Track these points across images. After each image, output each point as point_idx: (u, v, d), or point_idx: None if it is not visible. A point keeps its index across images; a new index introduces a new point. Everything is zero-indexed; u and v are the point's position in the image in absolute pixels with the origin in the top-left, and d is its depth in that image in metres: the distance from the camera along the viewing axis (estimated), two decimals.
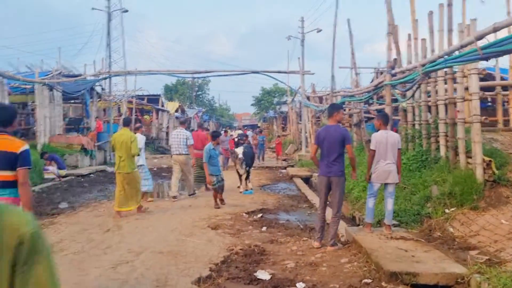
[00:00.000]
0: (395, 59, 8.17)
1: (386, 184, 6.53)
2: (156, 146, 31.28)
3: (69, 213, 9.29)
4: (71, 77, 21.12)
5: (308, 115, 22.01)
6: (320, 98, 21.01)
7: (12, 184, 3.84)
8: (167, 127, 35.90)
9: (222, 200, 9.77)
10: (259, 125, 59.02)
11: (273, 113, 44.89)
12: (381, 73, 17.63)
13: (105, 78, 22.46)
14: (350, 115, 13.11)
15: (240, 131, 32.84)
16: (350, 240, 6.50)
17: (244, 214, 9.15)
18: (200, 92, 69.45)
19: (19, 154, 3.80)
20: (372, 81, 19.61)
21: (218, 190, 9.69)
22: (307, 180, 15.24)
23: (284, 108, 40.56)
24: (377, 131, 6.66)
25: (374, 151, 6.50)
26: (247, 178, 11.97)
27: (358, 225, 8.54)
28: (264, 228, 7.76)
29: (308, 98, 21.65)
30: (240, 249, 6.26)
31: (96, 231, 7.47)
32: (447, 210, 7.00)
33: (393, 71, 7.97)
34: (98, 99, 24.45)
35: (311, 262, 5.65)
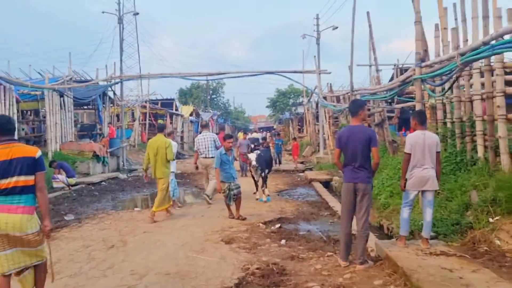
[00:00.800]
0: (425, 50, 7.34)
1: (423, 191, 5.71)
2: None
3: (74, 225, 8.69)
4: (82, 82, 20.69)
5: (325, 116, 21.19)
6: (337, 98, 20.16)
7: (29, 190, 3.91)
8: (182, 132, 35.43)
9: (240, 217, 8.87)
10: (274, 127, 58.21)
11: (289, 115, 44.08)
12: (405, 70, 16.71)
13: (116, 83, 21.97)
14: (370, 115, 12.25)
15: (256, 134, 32.08)
16: (382, 256, 5.70)
17: (260, 224, 8.42)
18: (214, 96, 69.03)
19: (37, 159, 3.96)
20: (391, 78, 18.72)
21: (233, 198, 8.92)
22: (327, 184, 14.45)
23: (300, 109, 39.78)
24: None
25: (410, 154, 5.69)
26: (263, 184, 11.20)
27: (387, 235, 7.74)
28: (283, 241, 7.00)
29: (325, 98, 20.84)
30: (257, 269, 5.53)
31: (99, 248, 6.81)
32: (491, 219, 6.14)
33: (424, 64, 7.14)
34: (111, 105, 24.04)
35: (339, 285, 4.88)
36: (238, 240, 7.15)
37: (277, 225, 8.29)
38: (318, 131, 27.50)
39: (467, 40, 7.83)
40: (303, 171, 18.78)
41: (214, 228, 8.00)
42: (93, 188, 14.50)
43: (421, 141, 5.66)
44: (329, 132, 21.55)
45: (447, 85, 7.17)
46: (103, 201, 11.99)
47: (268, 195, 11.28)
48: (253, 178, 11.35)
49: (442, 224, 6.42)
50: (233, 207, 8.98)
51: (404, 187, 5.82)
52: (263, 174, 11.08)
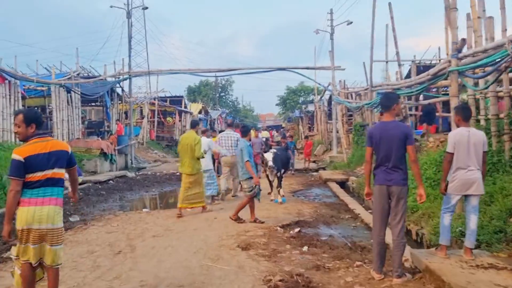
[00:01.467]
0: (463, 39, 6.69)
1: (467, 196, 5.09)
2: None
3: (79, 227, 8.17)
4: (90, 78, 20.24)
5: (339, 113, 20.54)
6: (350, 95, 19.44)
7: (60, 183, 4.05)
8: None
9: (256, 220, 8.24)
10: (283, 125, 57.38)
11: (299, 113, 43.35)
12: (422, 66, 16.00)
13: (125, 79, 21.50)
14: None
15: (265, 132, 31.45)
16: (420, 267, 5.08)
17: (278, 228, 7.83)
18: (223, 94, 68.49)
19: (70, 153, 4.15)
20: (407, 74, 17.97)
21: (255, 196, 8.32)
22: (342, 184, 13.83)
23: (311, 108, 39.06)
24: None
25: (452, 154, 5.07)
26: (279, 184, 10.58)
27: (416, 242, 7.13)
28: (305, 248, 6.41)
29: (338, 95, 20.14)
30: (280, 281, 4.94)
31: (105, 254, 6.27)
32: None
33: (461, 55, 6.49)
34: (119, 102, 23.59)
35: None
36: (256, 246, 6.57)
37: (296, 229, 7.69)
38: (331, 129, 26.90)
39: (505, 29, 7.18)
40: (316, 171, 18.19)
41: (229, 232, 7.42)
42: (100, 187, 14.00)
43: (465, 140, 5.04)
44: (342, 130, 20.90)
45: (490, 78, 6.52)
46: (110, 201, 11.49)
47: (283, 196, 10.68)
48: (268, 178, 10.75)
49: (483, 231, 5.78)
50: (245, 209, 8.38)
51: (445, 190, 5.20)
52: (278, 174, 10.49)
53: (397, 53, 11.89)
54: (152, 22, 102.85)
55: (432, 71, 7.70)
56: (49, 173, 3.89)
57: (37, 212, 3.81)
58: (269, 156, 10.42)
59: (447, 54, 7.81)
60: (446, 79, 7.27)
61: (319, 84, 19.94)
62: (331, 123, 27.94)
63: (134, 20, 22.37)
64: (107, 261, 5.90)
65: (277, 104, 50.70)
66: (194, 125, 9.77)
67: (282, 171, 10.71)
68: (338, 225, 8.33)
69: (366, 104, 11.70)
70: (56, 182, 3.97)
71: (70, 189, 4.51)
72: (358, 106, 12.84)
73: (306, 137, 17.80)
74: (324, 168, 18.63)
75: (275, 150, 10.94)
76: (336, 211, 9.47)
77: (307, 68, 20.24)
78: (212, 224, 8.23)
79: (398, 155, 4.91)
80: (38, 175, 3.84)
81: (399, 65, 11.96)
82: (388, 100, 5.17)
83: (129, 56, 20.73)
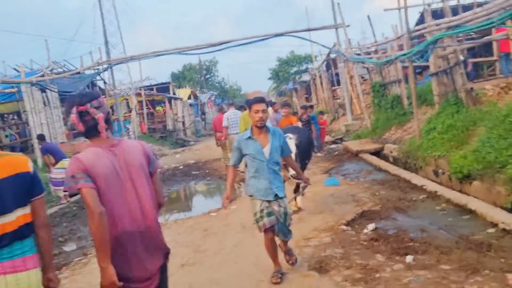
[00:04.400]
0: None
1: None
2: (174, 139, 28.04)
3: (78, 261, 6.11)
4: (66, 73, 17.85)
5: (347, 76, 18.42)
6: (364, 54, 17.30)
7: (30, 229, 2.36)
8: (183, 117, 32.66)
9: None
10: (273, 100, 55.00)
11: (292, 85, 41.04)
12: (434, 11, 13.83)
13: (105, 69, 19.12)
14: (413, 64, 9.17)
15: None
16: None
17: (343, 226, 5.85)
18: (209, 76, 65.79)
19: (33, 175, 2.41)
20: (416, 24, 15.78)
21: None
22: (377, 155, 11.85)
23: (305, 77, 36.88)
24: None
25: None
26: (297, 190, 6.83)
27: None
28: (409, 259, 4.41)
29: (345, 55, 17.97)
30: None
31: None
32: None
33: None
34: (103, 96, 21.22)
35: None
36: (334, 263, 4.56)
37: (370, 226, 5.69)
38: (338, 96, 24.82)
39: None
40: (333, 143, 16.25)
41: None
42: None
43: None
44: (353, 94, 18.84)
45: None
46: None
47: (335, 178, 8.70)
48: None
49: None
50: None
51: None
52: (303, 163, 6.88)
53: None
54: (124, 11, 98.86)
55: None
56: (6, 221, 2.26)
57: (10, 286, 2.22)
58: (291, 141, 5.99)
59: None
60: None
61: (323, 46, 17.77)
62: (334, 90, 25.90)
63: (105, 11, 19.81)
64: None
65: (269, 78, 48.30)
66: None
67: (306, 161, 7.19)
68: (417, 210, 6.34)
69: (402, 55, 9.62)
70: (24, 231, 2.34)
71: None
72: (388, 61, 10.76)
73: (321, 112, 15.56)
74: (341, 139, 16.65)
75: (295, 136, 6.29)
76: (399, 191, 7.49)
77: (308, 30, 17.97)
78: (254, 230, 6.17)
79: None
80: None
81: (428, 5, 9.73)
82: None
83: (106, 42, 18.31)
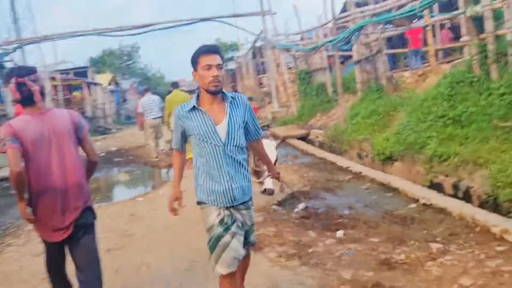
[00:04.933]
0: None
1: None
2: (94, 126, 26.62)
3: None
4: None
5: (273, 64, 18.62)
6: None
7: None
8: (103, 104, 31.10)
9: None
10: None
11: None
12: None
13: (15, 50, 17.55)
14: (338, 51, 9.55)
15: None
16: None
17: (275, 206, 5.89)
18: (130, 62, 63.18)
19: None
20: (341, 12, 16.33)
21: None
22: (303, 140, 12.15)
23: (231, 66, 36.80)
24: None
25: None
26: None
27: (456, 196, 5.56)
28: (339, 234, 4.54)
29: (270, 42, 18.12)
30: None
31: None
32: None
33: None
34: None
35: None
36: (268, 241, 4.56)
37: (301, 206, 5.79)
38: (260, 84, 25.07)
39: None
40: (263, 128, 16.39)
41: None
42: (7, 185, 10.87)
43: None
44: (280, 82, 19.10)
45: None
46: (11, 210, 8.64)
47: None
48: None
49: None
50: None
51: None
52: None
53: None
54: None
55: None
56: None
57: None
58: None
59: None
60: None
61: (250, 32, 17.77)
62: (260, 78, 26.12)
63: None
64: None
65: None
66: (176, 85, 9.71)
67: None
68: (344, 190, 6.57)
69: (328, 42, 9.87)
70: None
71: None
72: (314, 47, 10.99)
73: (250, 98, 15.65)
74: (268, 126, 16.85)
75: None
76: (327, 173, 7.72)
77: (235, 16, 17.84)
78: (185, 212, 5.98)
79: None
80: None
81: None
82: None
83: (15, 19, 16.75)
